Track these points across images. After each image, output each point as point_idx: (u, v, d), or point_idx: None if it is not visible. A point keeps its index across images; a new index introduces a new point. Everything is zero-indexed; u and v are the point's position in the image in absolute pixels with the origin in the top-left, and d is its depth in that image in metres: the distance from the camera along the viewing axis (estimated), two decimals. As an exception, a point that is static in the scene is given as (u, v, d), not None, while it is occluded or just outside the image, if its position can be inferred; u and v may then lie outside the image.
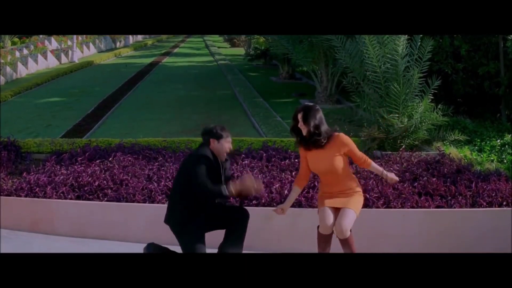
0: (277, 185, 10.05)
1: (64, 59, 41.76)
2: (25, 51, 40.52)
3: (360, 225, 8.99)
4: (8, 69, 31.78)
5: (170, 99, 22.09)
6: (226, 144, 7.64)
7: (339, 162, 7.43)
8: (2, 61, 32.35)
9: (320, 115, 7.54)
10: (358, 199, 7.58)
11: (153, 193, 10.40)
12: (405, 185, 10.56)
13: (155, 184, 10.60)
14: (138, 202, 10.29)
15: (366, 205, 9.80)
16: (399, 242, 9.55)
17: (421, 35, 14.00)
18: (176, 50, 50.07)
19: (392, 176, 7.67)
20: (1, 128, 14.79)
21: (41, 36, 53.23)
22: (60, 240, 9.95)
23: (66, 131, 17.21)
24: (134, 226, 10.19)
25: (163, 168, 11.28)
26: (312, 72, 20.84)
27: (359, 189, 7.63)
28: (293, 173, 10.79)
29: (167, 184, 10.52)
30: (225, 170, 7.74)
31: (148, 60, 40.13)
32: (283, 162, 11.31)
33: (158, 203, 10.20)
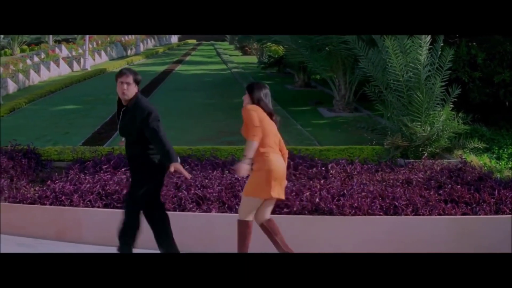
0: (307, 193, 10.08)
1: (76, 67, 41.80)
2: (36, 59, 40.63)
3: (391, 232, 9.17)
4: (20, 76, 31.75)
5: (187, 107, 22.15)
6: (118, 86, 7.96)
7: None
8: (13, 68, 32.40)
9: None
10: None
11: (182, 201, 10.39)
12: (431, 193, 10.61)
13: (185, 192, 10.59)
14: (168, 210, 10.01)
15: (395, 212, 9.88)
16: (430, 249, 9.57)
17: (441, 44, 14.06)
18: (188, 58, 50.02)
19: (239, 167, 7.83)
20: (17, 136, 14.71)
21: (51, 43, 53.44)
22: (88, 249, 9.89)
23: (85, 139, 17.17)
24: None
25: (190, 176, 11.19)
26: (330, 81, 20.85)
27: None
28: (322, 181, 10.85)
29: (196, 192, 10.53)
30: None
31: (160, 68, 40.09)
32: (310, 170, 11.37)
33: (188, 211, 10.23)
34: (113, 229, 8.96)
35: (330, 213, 9.68)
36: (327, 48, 19.82)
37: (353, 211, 9.70)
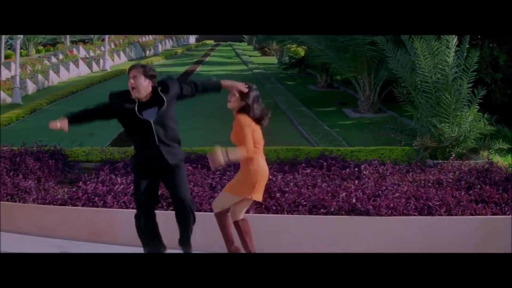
0: (343, 194, 10.22)
1: (95, 68, 41.86)
2: (54, 59, 40.73)
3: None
4: (39, 77, 31.78)
5: (212, 108, 22.14)
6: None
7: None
8: (31, 69, 32.41)
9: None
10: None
11: None
12: (462, 193, 10.75)
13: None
14: (205, 211, 10.30)
15: (429, 212, 10.02)
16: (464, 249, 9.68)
17: (467, 46, 14.17)
18: (207, 58, 50.12)
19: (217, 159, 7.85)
20: (40, 137, 14.59)
21: (68, 44, 53.68)
22: (123, 250, 9.91)
23: (112, 140, 17.22)
24: (200, 235, 10.09)
25: (224, 177, 11.32)
26: (355, 81, 20.99)
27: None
28: (356, 181, 10.98)
29: None
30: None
31: (181, 69, 40.19)
32: (343, 171, 11.47)
33: None
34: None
35: (367, 213, 9.82)
36: (351, 49, 19.89)
37: (389, 211, 9.83)
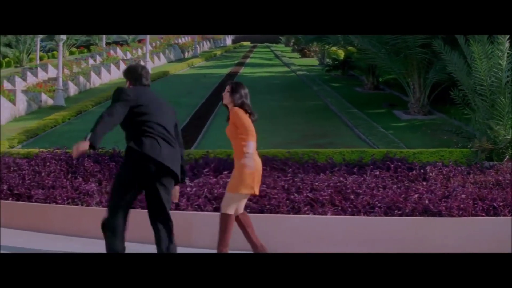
0: (415, 196, 10.39)
1: None
2: (91, 61, 41.24)
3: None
4: (81, 78, 32.22)
5: (265, 110, 22.35)
6: None
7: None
8: (68, 71, 32.79)
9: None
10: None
11: (296, 204, 10.47)
12: (523, 193, 10.90)
13: (296, 195, 10.68)
14: (283, 213, 10.37)
15: (495, 213, 10.29)
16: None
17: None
18: (247, 60, 50.48)
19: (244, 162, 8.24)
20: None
21: (105, 46, 54.21)
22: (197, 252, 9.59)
23: None
24: (279, 237, 10.16)
25: (296, 179, 11.38)
26: (405, 84, 21.27)
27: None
28: (424, 183, 11.13)
29: (308, 195, 10.64)
30: None
31: (223, 70, 40.56)
32: (410, 173, 11.58)
33: (303, 214, 10.32)
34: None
35: (439, 214, 9.99)
36: (402, 51, 20.19)
37: (460, 212, 10.03)
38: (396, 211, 10.13)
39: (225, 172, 11.58)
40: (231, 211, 8.54)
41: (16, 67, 48.33)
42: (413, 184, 11.14)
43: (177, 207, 10.70)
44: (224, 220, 8.55)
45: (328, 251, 9.34)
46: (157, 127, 7.60)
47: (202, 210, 10.65)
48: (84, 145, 7.33)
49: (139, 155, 7.51)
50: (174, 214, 9.97)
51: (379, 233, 9.96)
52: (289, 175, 11.62)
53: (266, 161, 12.06)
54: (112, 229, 7.82)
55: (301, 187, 11.03)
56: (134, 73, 7.93)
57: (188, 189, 11.21)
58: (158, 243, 7.82)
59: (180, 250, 9.57)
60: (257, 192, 8.70)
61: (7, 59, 51.82)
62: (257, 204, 10.58)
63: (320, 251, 9.28)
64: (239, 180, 8.40)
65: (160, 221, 7.83)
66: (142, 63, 42.76)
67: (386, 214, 10.13)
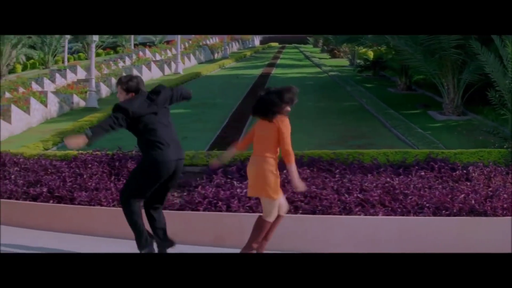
0: (461, 196, 10.61)
1: (167, 70, 42.38)
2: (121, 63, 41.55)
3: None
4: (113, 80, 32.10)
5: (300, 110, 22.31)
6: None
7: None
8: (98, 73, 32.93)
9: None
10: None
11: (347, 205, 10.62)
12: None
13: (347, 196, 10.84)
14: (335, 214, 10.51)
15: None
16: None
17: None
18: (278, 61, 50.50)
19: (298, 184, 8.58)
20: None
21: (133, 47, 54.56)
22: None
23: (211, 143, 17.25)
24: (332, 238, 10.34)
25: (344, 180, 11.52)
26: (439, 84, 21.53)
27: None
28: (467, 183, 11.30)
29: (359, 196, 10.83)
30: None
31: (255, 71, 40.65)
32: (454, 173, 11.73)
33: (354, 214, 10.50)
34: (279, 234, 9.09)
35: (485, 214, 10.22)
36: (437, 52, 20.44)
37: (504, 212, 10.26)
38: (443, 211, 10.35)
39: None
40: (271, 218, 8.65)
41: (41, 69, 48.86)
42: (457, 184, 11.32)
43: (228, 208, 10.88)
44: (265, 226, 8.66)
45: (381, 251, 9.54)
46: (160, 129, 8.56)
47: (254, 212, 10.71)
48: (83, 141, 8.02)
49: (158, 162, 8.43)
50: (226, 216, 10.83)
51: (431, 234, 10.16)
52: (337, 176, 11.76)
53: (312, 162, 12.38)
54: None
55: (350, 188, 11.20)
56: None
57: (239, 190, 11.31)
58: (160, 227, 8.80)
59: (233, 251, 9.60)
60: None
61: (31, 61, 52.38)
62: (309, 205, 10.74)
63: (373, 251, 9.47)
64: (275, 185, 8.51)
65: (161, 208, 8.89)
66: (173, 64, 43.07)
67: (434, 214, 10.33)
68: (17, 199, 12.43)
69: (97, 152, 13.43)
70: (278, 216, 8.73)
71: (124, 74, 33.08)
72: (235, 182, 11.71)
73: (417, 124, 19.26)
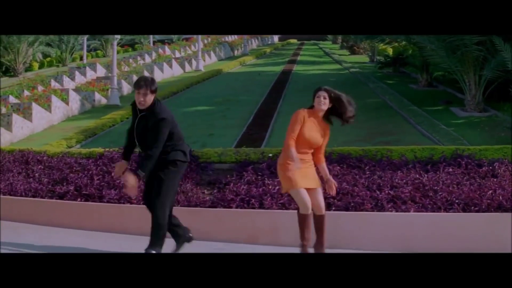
0: (489, 192, 10.79)
1: (187, 68, 42.68)
2: (141, 60, 41.78)
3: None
4: (134, 77, 31.94)
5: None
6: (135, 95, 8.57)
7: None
8: (118, 70, 33.13)
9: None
10: None
11: (379, 202, 10.83)
12: None
13: (378, 193, 11.05)
14: (367, 210, 10.73)
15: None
16: None
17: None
18: (298, 58, 50.58)
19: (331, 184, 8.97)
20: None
21: (152, 45, 54.81)
22: (284, 250, 9.43)
23: (237, 140, 17.46)
24: (365, 235, 10.51)
25: (374, 176, 11.71)
26: (461, 81, 21.77)
27: None
28: (494, 179, 11.45)
29: (390, 192, 11.02)
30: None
31: (276, 68, 40.86)
32: (480, 169, 11.87)
33: (386, 211, 10.66)
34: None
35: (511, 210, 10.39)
36: (460, 48, 20.71)
37: None
38: (472, 208, 10.54)
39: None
40: (307, 210, 8.71)
41: (58, 66, 49.18)
42: (483, 180, 11.48)
43: (261, 205, 11.11)
44: (302, 219, 8.83)
45: (414, 248, 9.88)
46: (177, 132, 8.80)
47: (287, 209, 10.94)
48: (135, 180, 8.59)
49: (183, 164, 8.88)
50: (259, 213, 10.99)
51: (462, 230, 10.30)
52: (367, 172, 11.96)
53: (342, 158, 12.55)
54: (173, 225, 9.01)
55: (381, 184, 11.41)
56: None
57: (271, 187, 11.52)
58: (182, 230, 9.15)
59: (267, 249, 10.06)
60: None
61: (48, 59, 52.69)
62: (342, 202, 10.97)
63: (407, 248, 9.89)
64: (289, 177, 8.66)
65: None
66: (193, 61, 43.26)
67: (464, 210, 10.54)
68: (42, 197, 12.68)
69: (121, 150, 13.08)
70: (318, 216, 8.89)
71: (145, 71, 33.57)
72: (266, 179, 11.92)
73: (440, 121, 19.41)
